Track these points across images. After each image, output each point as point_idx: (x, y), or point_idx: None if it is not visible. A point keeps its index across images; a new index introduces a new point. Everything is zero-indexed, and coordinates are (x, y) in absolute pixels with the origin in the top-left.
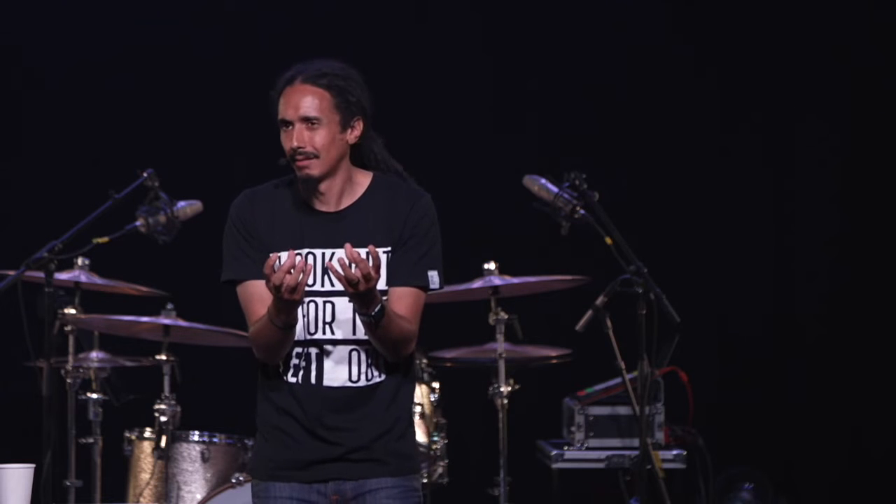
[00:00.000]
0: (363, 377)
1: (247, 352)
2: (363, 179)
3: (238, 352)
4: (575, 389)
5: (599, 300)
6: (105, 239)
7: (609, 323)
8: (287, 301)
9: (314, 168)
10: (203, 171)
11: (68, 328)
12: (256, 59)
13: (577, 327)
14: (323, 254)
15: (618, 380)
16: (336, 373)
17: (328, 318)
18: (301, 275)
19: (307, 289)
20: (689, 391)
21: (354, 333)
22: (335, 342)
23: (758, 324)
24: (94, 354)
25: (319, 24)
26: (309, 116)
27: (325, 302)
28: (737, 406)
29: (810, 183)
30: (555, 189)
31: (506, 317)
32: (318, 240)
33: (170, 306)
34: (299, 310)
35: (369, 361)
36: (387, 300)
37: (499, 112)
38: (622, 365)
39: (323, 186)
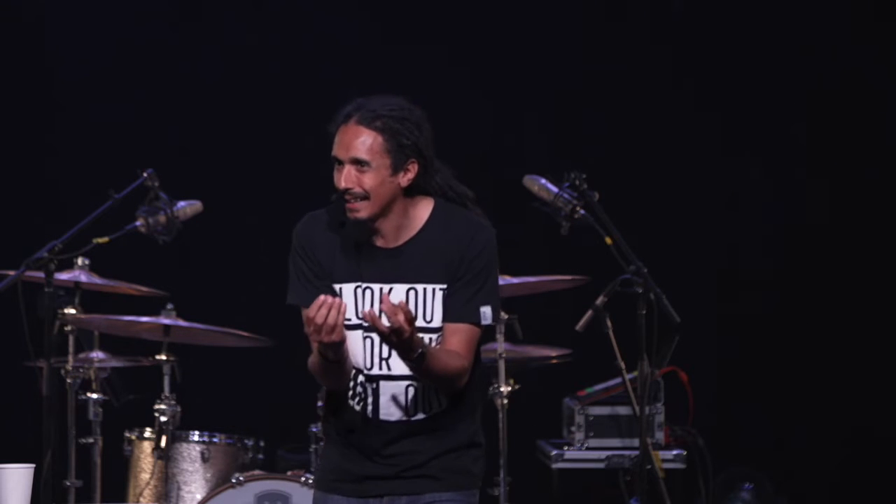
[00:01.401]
0: (420, 412)
1: (248, 352)
2: (422, 212)
3: (238, 352)
4: (575, 389)
5: (599, 300)
6: (105, 239)
7: (609, 323)
8: (327, 344)
9: (363, 211)
10: (203, 171)
11: (68, 328)
12: (257, 59)
13: (577, 327)
14: (381, 289)
15: (618, 380)
16: (392, 408)
17: (385, 354)
18: (337, 314)
19: (364, 323)
20: (688, 391)
21: (412, 371)
22: (392, 378)
23: (757, 324)
24: (94, 354)
25: (321, 23)
26: (359, 158)
27: (381, 338)
28: (737, 406)
29: (811, 183)
30: (555, 189)
31: (506, 317)
32: (376, 275)
33: (170, 306)
34: (359, 345)
35: (427, 396)
36: (441, 336)
37: (499, 112)
38: (622, 365)
39: (377, 225)
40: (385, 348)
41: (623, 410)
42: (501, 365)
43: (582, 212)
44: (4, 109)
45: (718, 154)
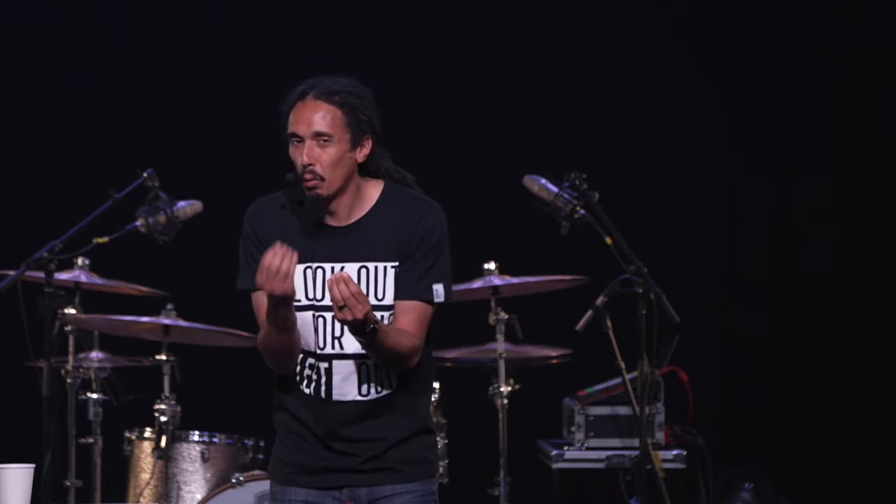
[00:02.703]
0: (373, 391)
1: (248, 352)
2: (373, 192)
3: (238, 352)
4: (575, 389)
5: (599, 300)
6: (105, 239)
7: (609, 323)
8: (278, 298)
9: (322, 188)
10: (203, 171)
11: (68, 328)
12: (257, 59)
13: (577, 327)
14: (332, 268)
15: (618, 380)
16: (345, 387)
17: (337, 333)
18: (290, 262)
19: (316, 303)
20: (689, 391)
21: (363, 347)
22: (344, 357)
23: (758, 324)
24: (94, 354)
25: (319, 24)
26: (321, 132)
27: (333, 317)
28: (737, 406)
29: (811, 184)
30: (555, 189)
31: (506, 317)
32: (327, 254)
33: (170, 306)
34: (311, 325)
35: (379, 375)
36: (393, 314)
37: (499, 112)
38: (622, 365)
39: (332, 205)
40: (337, 327)
41: (623, 410)
42: (501, 365)
43: (582, 212)
44: (4, 110)
45: (719, 154)
